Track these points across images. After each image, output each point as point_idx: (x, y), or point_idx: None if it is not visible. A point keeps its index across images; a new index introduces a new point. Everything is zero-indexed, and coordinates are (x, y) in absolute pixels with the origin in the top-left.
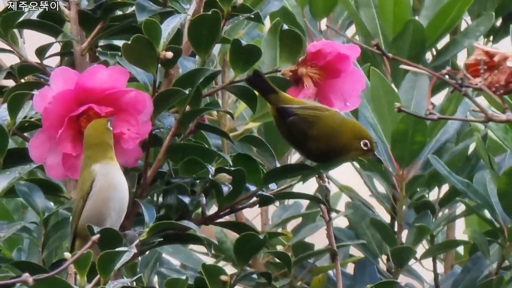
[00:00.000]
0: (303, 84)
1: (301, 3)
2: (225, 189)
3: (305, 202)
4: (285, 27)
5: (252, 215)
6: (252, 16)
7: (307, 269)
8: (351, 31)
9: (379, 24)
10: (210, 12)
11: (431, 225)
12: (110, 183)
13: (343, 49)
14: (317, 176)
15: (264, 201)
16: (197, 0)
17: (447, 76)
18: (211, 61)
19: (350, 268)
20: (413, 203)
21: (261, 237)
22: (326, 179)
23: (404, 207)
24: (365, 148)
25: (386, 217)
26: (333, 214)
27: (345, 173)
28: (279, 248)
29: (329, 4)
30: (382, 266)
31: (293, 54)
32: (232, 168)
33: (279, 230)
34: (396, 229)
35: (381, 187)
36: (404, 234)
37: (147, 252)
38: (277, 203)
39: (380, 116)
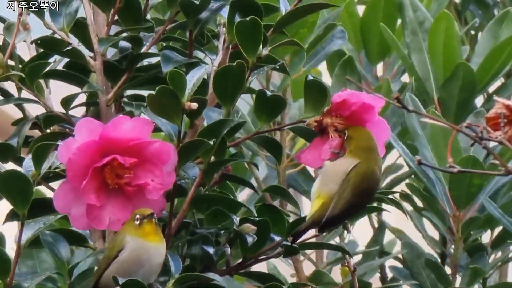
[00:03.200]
0: (328, 135)
1: (357, 47)
2: (250, 240)
3: (361, 241)
4: (310, 77)
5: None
6: (277, 67)
7: None
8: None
9: (430, 69)
10: (235, 63)
11: (485, 267)
12: (136, 259)
13: (368, 99)
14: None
15: (289, 252)
16: (222, 51)
17: (467, 129)
18: (236, 112)
19: None
20: (468, 245)
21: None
22: (350, 229)
23: (459, 248)
24: None
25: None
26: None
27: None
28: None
29: (384, 49)
30: None
31: (318, 104)
32: (257, 219)
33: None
34: (447, 270)
35: (430, 230)
36: (457, 275)
37: None
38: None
39: (438, 157)
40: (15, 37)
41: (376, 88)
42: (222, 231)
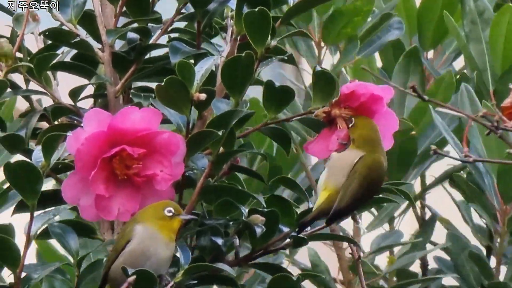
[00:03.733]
0: (337, 126)
1: (410, 33)
2: (259, 231)
3: (406, 231)
4: (318, 68)
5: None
6: (286, 57)
7: None
8: (457, 63)
9: (488, 59)
10: (243, 54)
11: None
12: (143, 251)
13: (376, 90)
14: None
15: (298, 243)
16: (230, 42)
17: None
18: (245, 103)
19: None
20: None
21: (294, 279)
22: (359, 220)
23: (505, 241)
24: None
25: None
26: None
27: (443, 205)
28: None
29: (439, 36)
30: None
31: (326, 96)
32: (266, 210)
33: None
34: (491, 263)
35: (477, 221)
36: (502, 268)
37: None
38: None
39: (488, 149)
40: (24, 28)
41: (438, 80)
42: (231, 222)
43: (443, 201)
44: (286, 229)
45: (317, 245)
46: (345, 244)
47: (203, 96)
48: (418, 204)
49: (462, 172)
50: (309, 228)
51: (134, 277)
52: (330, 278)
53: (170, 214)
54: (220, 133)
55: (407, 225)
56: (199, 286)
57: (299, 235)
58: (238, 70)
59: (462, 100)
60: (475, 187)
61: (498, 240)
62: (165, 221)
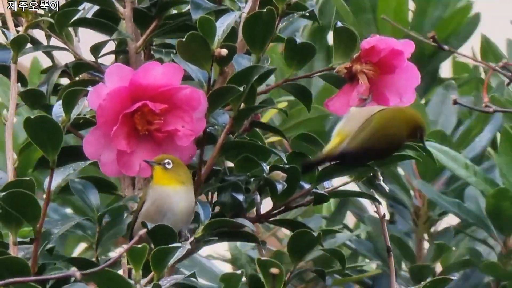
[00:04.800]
0: (358, 81)
1: None
2: (279, 187)
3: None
4: (339, 24)
5: None
6: (307, 14)
7: None
8: None
9: None
10: (265, 10)
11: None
12: (157, 209)
13: (397, 45)
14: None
15: (319, 199)
16: None
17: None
18: (266, 59)
19: None
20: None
21: (315, 234)
22: (380, 177)
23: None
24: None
25: None
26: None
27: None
28: None
29: None
30: None
31: (347, 52)
32: (287, 166)
33: None
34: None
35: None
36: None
37: None
38: None
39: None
40: None
41: None
42: (252, 179)
43: None
44: (307, 186)
45: None
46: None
47: (224, 51)
48: None
49: None
50: (330, 184)
51: (144, 230)
52: None
53: (170, 166)
54: (241, 89)
55: None
56: (219, 241)
57: (321, 192)
58: (259, 26)
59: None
60: None
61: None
62: (168, 173)
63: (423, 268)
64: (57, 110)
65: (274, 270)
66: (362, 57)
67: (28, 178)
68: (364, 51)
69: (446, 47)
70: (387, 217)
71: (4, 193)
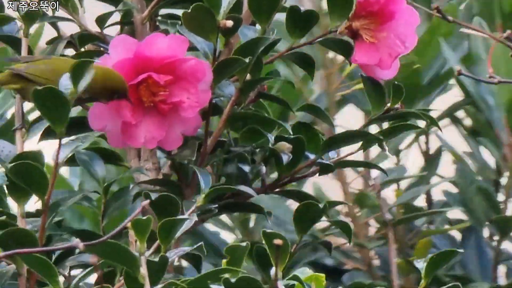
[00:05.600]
0: (361, 38)
1: None
2: (285, 158)
3: (410, 166)
4: None
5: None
6: None
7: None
8: None
9: None
10: None
11: None
12: None
13: None
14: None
15: (324, 170)
16: None
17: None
18: (272, 30)
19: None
20: None
21: (321, 206)
22: (386, 147)
23: None
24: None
25: None
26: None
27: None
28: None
29: None
30: (486, 233)
31: (344, 11)
32: (292, 137)
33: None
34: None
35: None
36: (510, 203)
37: None
38: None
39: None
40: None
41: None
42: (258, 150)
43: (449, 137)
44: (312, 156)
45: (321, 179)
46: (349, 178)
47: (229, 23)
48: (423, 138)
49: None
50: (335, 155)
51: (147, 201)
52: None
53: None
54: (247, 60)
55: (414, 160)
56: (224, 213)
57: (326, 162)
58: None
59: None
60: (484, 120)
61: (507, 174)
62: None
63: (507, 219)
64: (65, 82)
65: (277, 241)
66: (359, 12)
67: (36, 150)
68: (359, 5)
69: (450, 18)
70: None
71: (11, 164)
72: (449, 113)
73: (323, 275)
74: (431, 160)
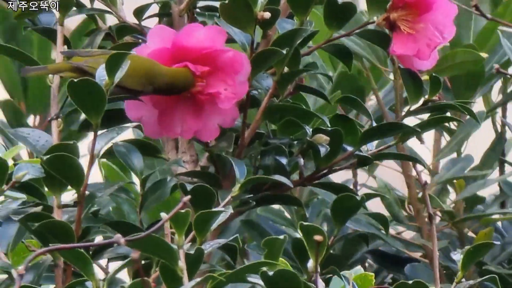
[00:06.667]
0: (399, 29)
1: None
2: (323, 150)
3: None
4: None
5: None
6: None
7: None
8: None
9: None
10: None
11: None
12: None
13: None
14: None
15: (362, 162)
16: None
17: None
18: (309, 22)
19: None
20: None
21: (358, 198)
22: (423, 140)
23: None
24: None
25: None
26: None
27: None
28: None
29: None
30: None
31: (383, 2)
32: (330, 129)
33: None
34: None
35: None
36: None
37: None
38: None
39: None
40: None
41: (506, 2)
42: (295, 142)
43: None
44: (350, 148)
45: (385, 173)
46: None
47: (267, 14)
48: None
49: None
50: (374, 147)
51: (189, 196)
52: (399, 209)
53: None
54: (284, 52)
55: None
56: (261, 205)
57: (364, 154)
58: None
59: None
60: None
61: None
62: None
63: None
64: (101, 73)
65: (317, 237)
66: (397, 3)
67: (71, 142)
68: None
69: (489, 15)
70: None
71: (48, 156)
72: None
73: (372, 274)
74: (495, 146)
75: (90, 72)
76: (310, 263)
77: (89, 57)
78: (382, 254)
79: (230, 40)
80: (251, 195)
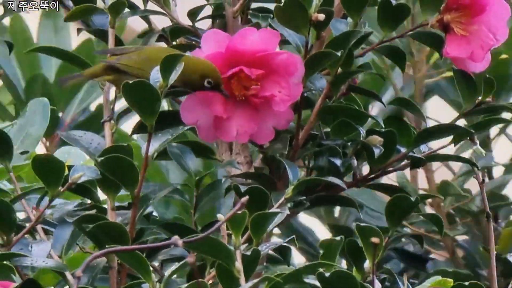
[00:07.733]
0: (453, 31)
1: None
2: (376, 151)
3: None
4: None
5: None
6: None
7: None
8: None
9: None
10: None
11: None
12: None
13: None
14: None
15: (415, 163)
16: None
17: None
18: (363, 23)
19: None
20: None
21: (413, 199)
22: (477, 141)
23: None
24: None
25: None
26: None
27: None
28: None
29: None
30: None
31: (435, 4)
32: (383, 130)
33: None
34: None
35: None
36: None
37: None
38: None
39: None
40: None
41: None
42: (349, 143)
43: None
44: (403, 150)
45: None
46: (435, 166)
47: (321, 16)
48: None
49: None
50: (427, 148)
51: (246, 197)
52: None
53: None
54: (338, 53)
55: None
56: (316, 206)
57: (417, 156)
58: None
59: None
60: None
61: None
62: None
63: None
64: (155, 75)
65: (375, 240)
66: (450, 5)
67: (125, 144)
68: None
69: None
70: None
71: (102, 158)
72: None
73: (451, 280)
74: None
75: (122, 69)
76: (366, 264)
77: (122, 55)
78: (407, 253)
79: (284, 42)
80: (304, 197)
